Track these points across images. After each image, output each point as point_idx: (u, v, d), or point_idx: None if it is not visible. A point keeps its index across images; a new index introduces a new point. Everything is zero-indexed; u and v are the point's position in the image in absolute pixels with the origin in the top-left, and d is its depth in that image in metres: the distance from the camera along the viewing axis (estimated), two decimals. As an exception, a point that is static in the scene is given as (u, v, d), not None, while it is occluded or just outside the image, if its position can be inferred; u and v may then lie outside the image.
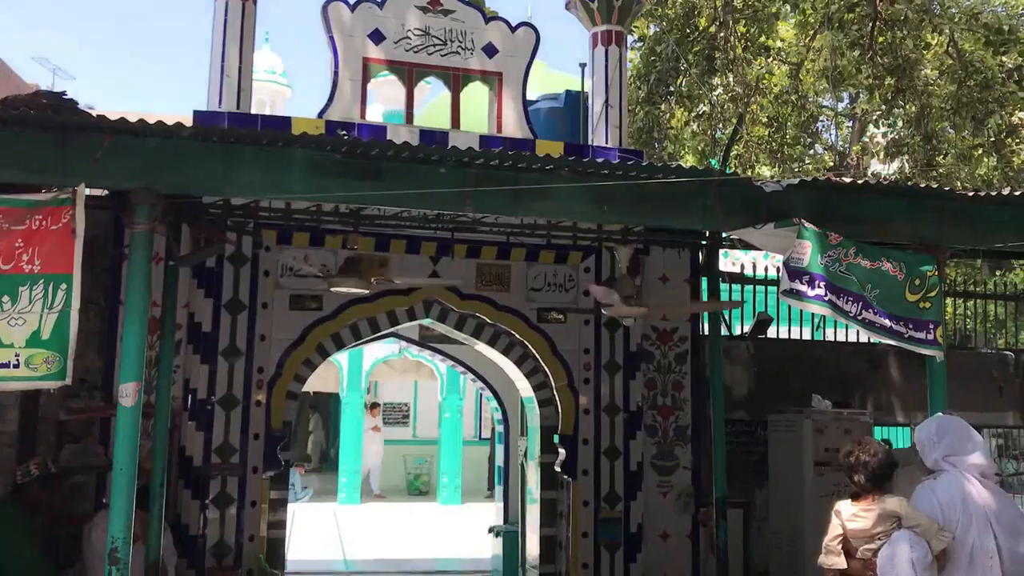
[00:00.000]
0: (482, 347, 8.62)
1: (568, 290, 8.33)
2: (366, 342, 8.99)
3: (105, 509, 6.19)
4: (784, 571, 8.20)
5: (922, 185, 5.18)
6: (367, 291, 6.94)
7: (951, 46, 12.10)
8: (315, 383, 18.19)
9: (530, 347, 8.22)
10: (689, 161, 13.83)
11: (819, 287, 4.64)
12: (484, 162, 4.63)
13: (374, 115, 17.07)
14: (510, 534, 9.93)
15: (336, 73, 7.76)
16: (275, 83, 23.39)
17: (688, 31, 12.19)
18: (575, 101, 9.43)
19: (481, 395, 15.67)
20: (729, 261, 11.25)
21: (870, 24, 11.80)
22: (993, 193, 5.20)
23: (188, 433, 7.34)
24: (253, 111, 7.80)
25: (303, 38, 63.12)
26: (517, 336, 8.22)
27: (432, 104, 13.89)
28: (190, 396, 7.40)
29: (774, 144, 13.69)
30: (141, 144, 4.24)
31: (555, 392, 8.20)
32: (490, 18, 8.24)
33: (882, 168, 14.66)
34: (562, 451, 8.11)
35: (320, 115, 7.70)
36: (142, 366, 4.28)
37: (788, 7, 12.38)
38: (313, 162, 4.46)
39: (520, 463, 9.80)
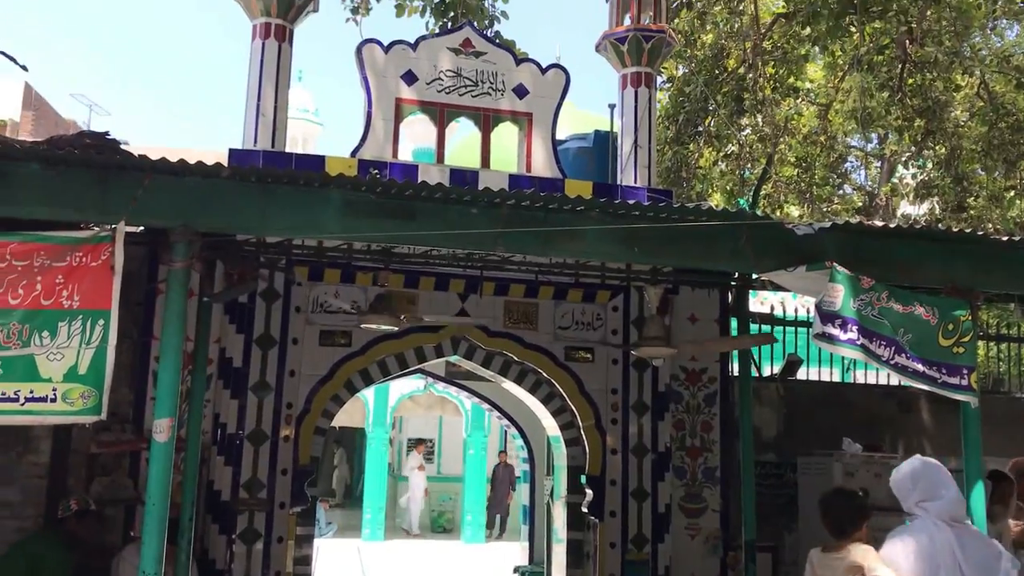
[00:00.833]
0: (509, 385, 8.62)
1: (596, 328, 8.32)
2: (393, 378, 9.02)
3: (133, 542, 6.25)
4: (813, 617, 8.05)
5: (954, 228, 5.15)
6: (396, 328, 6.97)
7: (982, 88, 12.09)
8: (341, 418, 18.18)
9: (557, 386, 8.21)
10: (717, 200, 13.85)
11: (852, 331, 4.61)
12: (515, 203, 4.67)
13: (405, 153, 17.21)
14: (535, 575, 9.86)
15: (369, 113, 7.87)
16: (307, 120, 23.76)
17: (717, 72, 12.27)
18: (604, 141, 9.50)
19: (506, 432, 15.64)
20: (758, 301, 11.20)
21: (899, 66, 11.83)
22: (1027, 237, 5.17)
23: (216, 467, 7.37)
24: (286, 149, 7.92)
25: (335, 75, 64.02)
26: (544, 374, 8.21)
27: (462, 142, 14.02)
28: (219, 430, 7.44)
29: (803, 184, 13.69)
30: (180, 183, 4.32)
31: (582, 432, 8.17)
32: (521, 60, 8.35)
33: (912, 209, 14.59)
34: (589, 492, 8.06)
35: (353, 154, 7.81)
36: (176, 402, 4.33)
37: (817, 49, 12.42)
38: (347, 202, 4.52)
39: (546, 503, 9.75)
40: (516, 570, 10.53)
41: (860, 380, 10.04)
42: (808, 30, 11.63)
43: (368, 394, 17.36)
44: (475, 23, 9.29)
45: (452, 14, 10.41)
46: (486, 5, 10.61)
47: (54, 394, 4.18)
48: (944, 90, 12.00)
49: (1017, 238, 5.04)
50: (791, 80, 12.68)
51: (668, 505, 8.18)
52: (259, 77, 7.74)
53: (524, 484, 11.18)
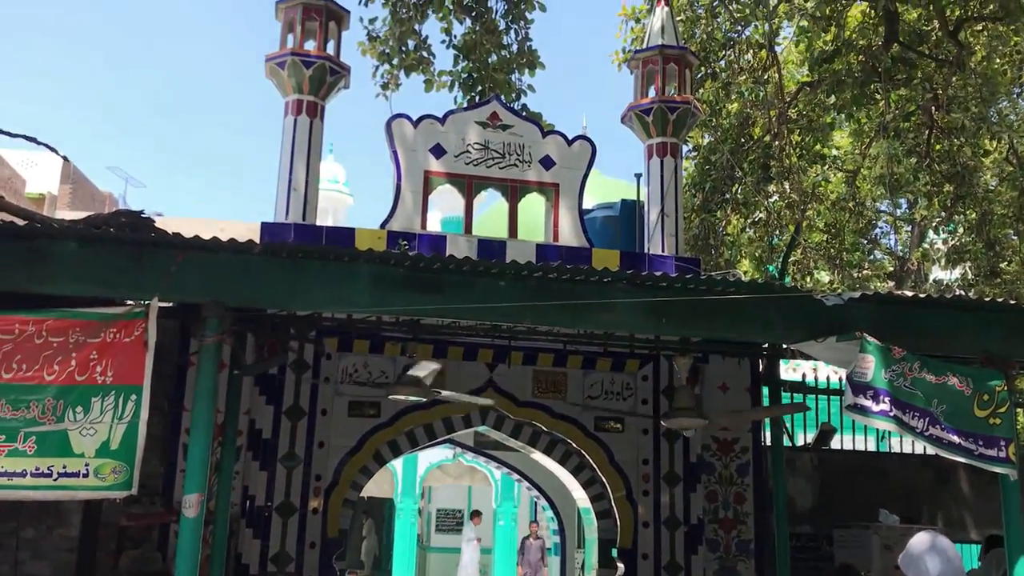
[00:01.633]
0: (538, 455, 8.55)
1: (626, 398, 8.27)
2: (422, 449, 8.99)
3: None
4: None
5: (987, 293, 5.10)
6: (425, 399, 6.97)
7: (1011, 153, 12.05)
8: (369, 488, 18.10)
9: (587, 456, 8.13)
10: (746, 267, 13.82)
11: (884, 402, 4.55)
12: (542, 275, 4.70)
13: (433, 223, 17.40)
14: (567, 650, 9.65)
15: (398, 185, 7.99)
16: (338, 192, 24.09)
17: (742, 140, 12.35)
18: (631, 210, 9.55)
19: (536, 503, 15.44)
20: (790, 368, 11.08)
21: (926, 132, 11.85)
22: (1061, 305, 5.10)
23: (245, 540, 7.34)
24: (317, 221, 8.03)
25: (364, 146, 65.19)
26: (574, 445, 8.15)
27: (489, 210, 14.16)
28: (248, 503, 7.43)
29: (832, 250, 13.63)
30: (212, 259, 4.40)
31: (613, 503, 8.06)
32: (547, 132, 8.47)
33: (944, 275, 14.47)
34: (621, 566, 7.92)
35: (383, 226, 7.91)
36: (207, 476, 4.34)
37: (842, 117, 12.48)
38: (376, 276, 4.57)
39: (577, 575, 9.58)
40: (547, 645, 10.31)
41: (896, 449, 9.84)
42: (833, 98, 11.72)
43: (397, 464, 17.27)
44: (502, 97, 9.45)
45: (480, 88, 10.60)
46: (513, 79, 10.80)
47: (86, 469, 4.21)
48: (972, 155, 11.98)
49: (1051, 308, 4.98)
50: (817, 147, 12.73)
51: (702, 579, 8.01)
52: (291, 152, 7.90)
53: (555, 556, 11.01)
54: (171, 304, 5.41)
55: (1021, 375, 7.39)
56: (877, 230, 15.06)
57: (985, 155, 12.33)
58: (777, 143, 12.09)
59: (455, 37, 10.90)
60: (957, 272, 13.87)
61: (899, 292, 4.98)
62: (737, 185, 12.39)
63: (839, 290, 5.81)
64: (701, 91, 11.88)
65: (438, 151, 8.11)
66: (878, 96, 11.11)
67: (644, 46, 9.25)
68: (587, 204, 9.33)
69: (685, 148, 12.65)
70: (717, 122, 12.47)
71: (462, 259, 4.61)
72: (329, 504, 7.59)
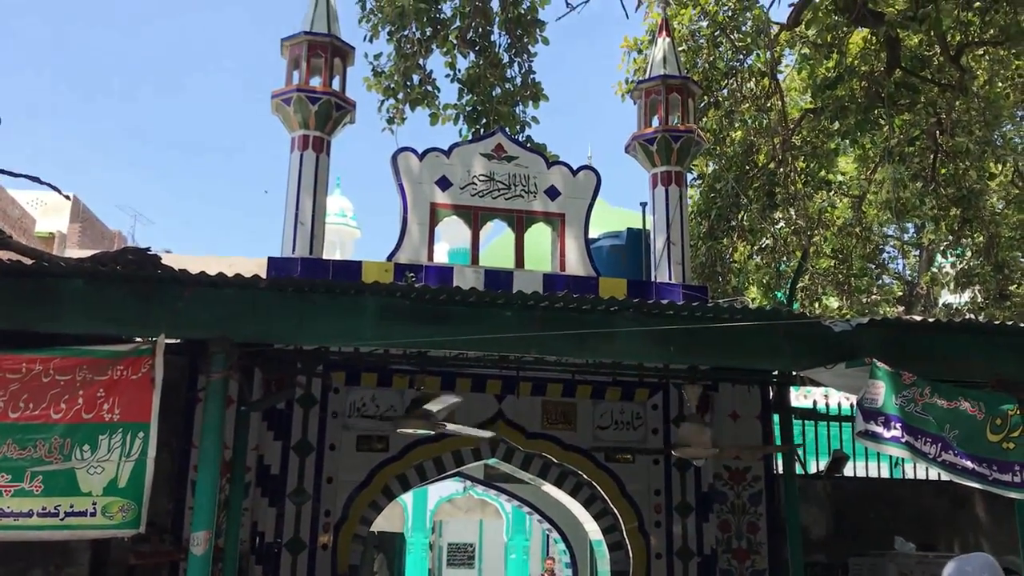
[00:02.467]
0: (549, 487, 8.49)
1: (636, 428, 8.22)
2: (431, 482, 8.94)
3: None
4: None
5: (997, 317, 5.07)
6: (433, 432, 6.93)
7: (1016, 175, 12.04)
8: (380, 522, 18.00)
9: (598, 488, 8.07)
10: (754, 294, 13.78)
11: (895, 428, 4.51)
12: (548, 305, 4.69)
13: (440, 254, 17.46)
14: None
15: (405, 218, 8.01)
16: (345, 225, 24.20)
17: (747, 168, 12.37)
18: (636, 239, 9.54)
19: (548, 536, 15.32)
20: (801, 395, 11.01)
21: (931, 156, 11.85)
22: (1072, 327, 5.07)
23: (255, 578, 7.28)
24: (324, 254, 8.05)
25: (371, 179, 65.56)
26: (584, 476, 8.09)
27: (497, 241, 14.19)
28: (258, 538, 7.38)
29: (840, 276, 13.59)
30: (219, 295, 4.40)
31: (625, 535, 7.98)
32: (552, 163, 8.50)
33: (953, 298, 14.40)
34: (633, 597, 7.83)
35: (389, 258, 7.92)
36: (215, 514, 4.32)
37: (847, 143, 12.50)
38: (383, 308, 4.57)
39: (590, 609, 9.48)
40: None
41: (910, 476, 9.74)
42: (837, 124, 11.74)
43: (407, 498, 17.18)
44: (507, 129, 9.50)
45: (484, 120, 10.67)
46: (517, 111, 10.87)
47: (94, 508, 4.19)
48: (978, 179, 11.97)
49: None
50: (822, 173, 12.74)
51: (717, 611, 7.91)
52: (298, 187, 7.93)
53: (568, 589, 10.91)
54: (179, 340, 5.41)
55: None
56: (885, 255, 15.02)
57: (991, 178, 12.31)
58: (782, 170, 12.10)
59: (459, 71, 11.00)
60: (967, 296, 13.81)
61: (908, 317, 4.95)
62: (743, 212, 12.39)
63: (847, 316, 5.78)
64: (704, 120, 11.92)
65: (444, 183, 8.14)
66: (882, 121, 11.12)
67: (647, 76, 9.29)
68: (593, 234, 9.34)
69: (690, 176, 12.69)
70: (721, 150, 12.50)
71: (468, 290, 4.61)
72: (339, 539, 7.54)
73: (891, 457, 9.38)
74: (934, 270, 14.50)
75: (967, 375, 5.09)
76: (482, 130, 10.46)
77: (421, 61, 10.55)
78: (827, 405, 9.28)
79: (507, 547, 17.49)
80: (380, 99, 10.78)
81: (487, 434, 7.02)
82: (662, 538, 7.96)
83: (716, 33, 11.89)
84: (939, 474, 8.72)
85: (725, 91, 12.42)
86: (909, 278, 15.68)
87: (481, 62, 10.74)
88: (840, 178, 13.58)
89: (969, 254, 13.13)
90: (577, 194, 8.41)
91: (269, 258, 7.63)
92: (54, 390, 4.23)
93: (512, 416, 8.01)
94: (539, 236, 8.65)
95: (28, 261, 4.79)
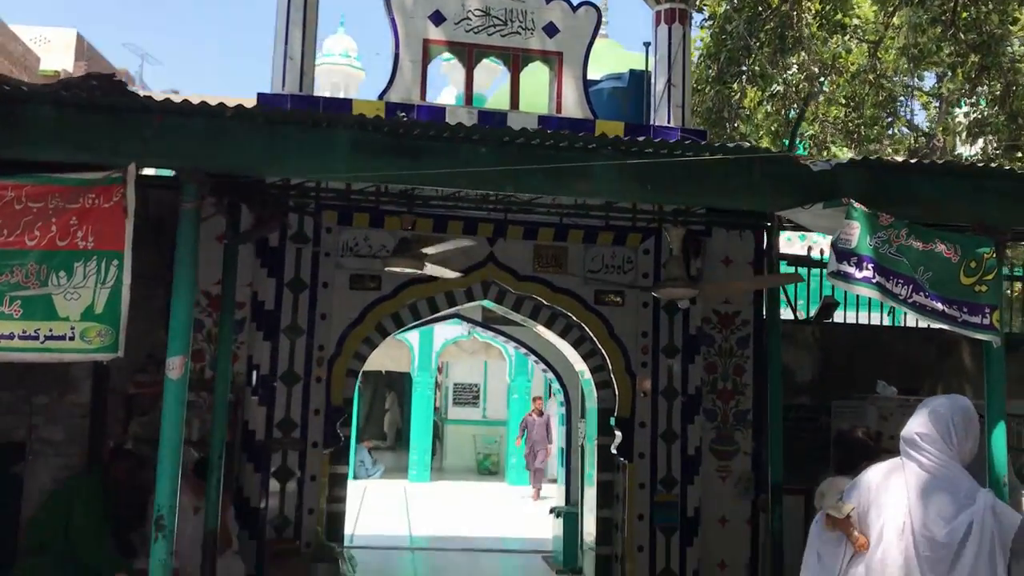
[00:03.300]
0: (540, 329, 8.63)
1: (627, 272, 8.27)
2: (426, 322, 9.10)
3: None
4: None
5: (979, 163, 4.97)
6: (420, 271, 7.00)
7: (1040, 20, 11.55)
8: (388, 363, 18.58)
9: (587, 329, 8.20)
10: (766, 143, 13.54)
11: (867, 269, 4.50)
12: (524, 141, 4.63)
13: (448, 98, 17.20)
14: (570, 515, 9.96)
15: (397, 55, 7.83)
16: (349, 66, 23.70)
17: (760, 9, 11.89)
18: (639, 81, 9.31)
19: (545, 376, 15.73)
20: (805, 245, 10.98)
21: (952, 0, 11.34)
22: (1061, 172, 4.97)
23: (251, 408, 7.53)
24: (327, 94, 8.00)
25: (377, 20, 63.76)
26: (574, 318, 8.21)
27: (502, 88, 13.91)
28: (253, 372, 7.59)
29: (851, 125, 13.29)
30: (188, 125, 4.36)
31: (612, 375, 8.16)
32: (551, -3, 8.20)
33: (964, 149, 14.11)
34: (618, 433, 8.09)
35: (381, 97, 7.81)
36: (189, 340, 4.42)
37: (865, -17, 11.97)
38: (355, 142, 4.52)
39: (581, 445, 9.80)
40: (552, 510, 10.64)
41: (900, 324, 9.83)
42: (856, -37, 11.22)
43: (413, 340, 17.59)
44: (506, -39, 9.11)
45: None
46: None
47: (72, 332, 4.29)
48: (1000, 23, 11.48)
49: (1047, 172, 4.85)
50: (838, 16, 12.23)
51: (698, 447, 8.18)
52: (287, 19, 7.71)
53: (562, 427, 11.27)
54: (172, 173, 5.39)
55: (1012, 244, 7.28)
56: (901, 106, 14.58)
57: (1013, 23, 11.80)
58: (795, 12, 11.64)
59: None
60: (979, 146, 13.51)
61: (890, 158, 4.85)
62: (753, 56, 12.00)
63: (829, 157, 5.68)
64: (717, -45, 11.41)
65: (437, 18, 7.90)
66: (903, -39, 10.61)
67: (653, -94, 8.82)
68: (596, 75, 9.12)
69: (700, 17, 12.24)
70: (733, -11, 12.00)
71: (442, 124, 4.54)
72: (332, 373, 7.75)
73: (882, 305, 9.46)
74: (947, 119, 14.14)
75: (950, 219, 5.04)
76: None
77: None
78: (821, 253, 9.26)
79: (509, 388, 17.98)
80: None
81: (467, 242, 7.00)
82: (648, 378, 8.13)
83: None
84: (928, 324, 8.86)
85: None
86: (926, 129, 15.31)
87: None
88: (856, 22, 13.03)
89: (984, 103, 12.74)
90: (577, 32, 8.17)
91: (258, 94, 7.52)
92: (27, 217, 4.26)
93: (503, 259, 8.06)
94: (537, 77, 8.46)
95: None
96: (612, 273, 8.23)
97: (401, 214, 6.81)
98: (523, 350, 11.18)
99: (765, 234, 8.20)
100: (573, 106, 8.13)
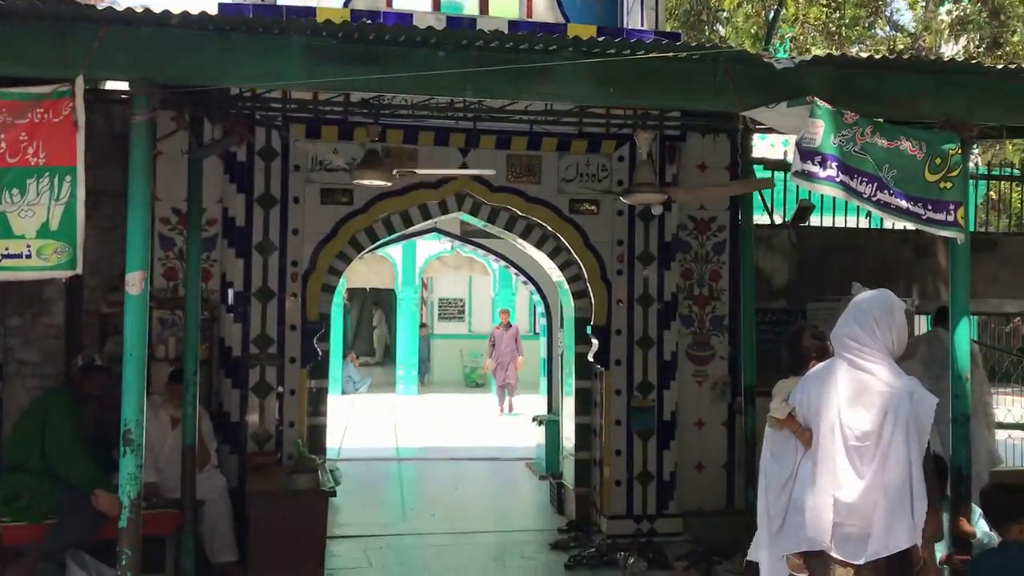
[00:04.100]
0: (517, 240, 8.60)
1: (601, 180, 8.20)
2: (401, 237, 9.06)
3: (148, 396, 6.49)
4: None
5: (946, 58, 4.88)
6: (390, 183, 6.92)
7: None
8: (373, 279, 18.60)
9: (562, 239, 8.17)
10: (747, 46, 13.32)
11: (831, 167, 4.46)
12: (483, 44, 4.52)
13: (422, 4, 16.65)
14: (552, 423, 10.11)
15: (360, -40, 7.59)
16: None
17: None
18: (613, -17, 9.08)
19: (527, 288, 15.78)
20: (789, 149, 10.88)
21: None
22: (1027, 66, 4.88)
23: (226, 325, 7.53)
24: (295, 3, 7.64)
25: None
26: (549, 228, 8.17)
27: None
28: (228, 289, 7.56)
29: (832, 26, 13.07)
30: (135, 35, 4.23)
31: (588, 283, 8.17)
32: None
33: (947, 48, 13.90)
34: (595, 341, 8.13)
35: (346, 4, 7.60)
36: (147, 256, 4.36)
37: None
38: (308, 48, 4.40)
39: (561, 354, 9.88)
40: (535, 419, 10.80)
41: (876, 226, 9.83)
42: None
43: (396, 255, 17.56)
44: None
45: None
46: None
47: (28, 250, 4.23)
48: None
49: (1014, 67, 4.77)
50: (820, -88, 11.97)
51: (675, 353, 8.24)
52: (247, -77, 7.44)
53: (543, 338, 11.34)
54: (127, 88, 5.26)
55: (977, 140, 7.22)
56: (883, 4, 14.29)
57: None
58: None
59: None
60: (961, 44, 13.32)
61: (855, 55, 4.76)
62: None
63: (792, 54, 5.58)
64: None
65: (402, -82, 7.65)
66: None
67: None
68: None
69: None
70: None
71: (396, 27, 4.43)
72: (307, 289, 7.73)
73: (858, 208, 9.45)
74: (931, 20, 13.91)
75: (916, 115, 4.97)
76: None
77: None
78: (798, 156, 9.20)
79: (494, 301, 18.06)
80: None
81: (481, 171, 6.91)
82: (624, 286, 8.15)
83: None
84: (904, 225, 8.87)
85: None
86: (910, 30, 15.05)
87: None
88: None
89: (967, 1, 12.52)
90: (546, -69, 7.93)
91: (219, 3, 7.30)
92: (-26, 134, 4.16)
93: (475, 168, 7.96)
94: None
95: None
96: (587, 181, 8.16)
97: (368, 125, 6.70)
98: (501, 262, 11.18)
99: (737, 137, 8.14)
100: (544, 10, 7.96)
